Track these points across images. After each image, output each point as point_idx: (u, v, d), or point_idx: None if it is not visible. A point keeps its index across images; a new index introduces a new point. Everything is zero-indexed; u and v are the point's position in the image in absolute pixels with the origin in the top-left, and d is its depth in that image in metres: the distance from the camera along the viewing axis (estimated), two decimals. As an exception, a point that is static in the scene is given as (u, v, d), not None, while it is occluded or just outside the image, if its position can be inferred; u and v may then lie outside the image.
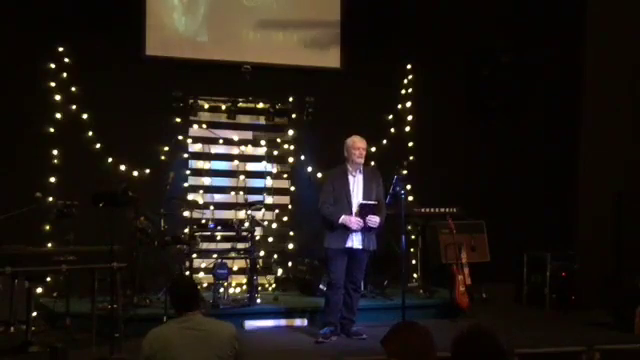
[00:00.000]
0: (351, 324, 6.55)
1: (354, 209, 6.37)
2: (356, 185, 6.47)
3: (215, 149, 8.59)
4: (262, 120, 8.76)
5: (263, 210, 8.40)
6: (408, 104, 9.03)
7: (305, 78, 8.71)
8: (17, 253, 5.70)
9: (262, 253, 7.95)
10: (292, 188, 8.73)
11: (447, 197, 8.27)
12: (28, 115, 7.68)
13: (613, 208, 8.42)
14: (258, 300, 7.39)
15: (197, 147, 8.56)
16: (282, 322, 7.09)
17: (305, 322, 7.04)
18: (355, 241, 6.42)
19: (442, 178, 8.75)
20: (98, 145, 7.88)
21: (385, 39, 8.88)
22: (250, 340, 6.10)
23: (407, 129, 9.00)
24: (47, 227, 7.30)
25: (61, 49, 7.85)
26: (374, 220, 6.35)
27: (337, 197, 6.41)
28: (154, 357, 3.66)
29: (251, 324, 6.94)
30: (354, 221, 6.31)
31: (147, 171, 8.00)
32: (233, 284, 7.99)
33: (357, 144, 6.49)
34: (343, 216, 6.31)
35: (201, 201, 8.43)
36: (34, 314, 6.27)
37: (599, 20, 8.54)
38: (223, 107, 8.47)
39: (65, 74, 7.85)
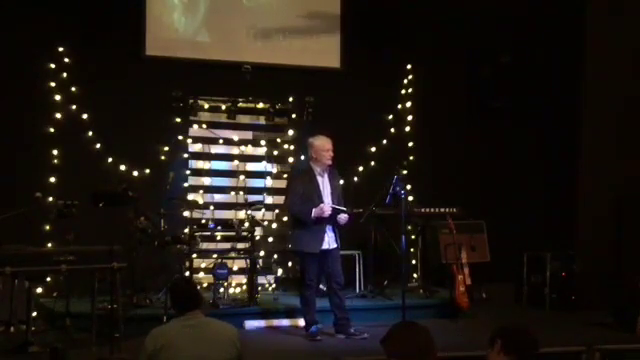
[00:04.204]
0: (348, 323, 6.54)
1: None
2: (324, 185, 6.56)
3: (215, 149, 8.59)
4: (262, 120, 8.76)
5: (263, 210, 8.40)
6: (408, 104, 9.03)
7: (305, 78, 8.71)
8: (17, 253, 5.70)
9: (262, 253, 7.94)
10: (292, 188, 8.72)
11: (447, 197, 8.27)
12: (28, 115, 7.68)
13: (613, 208, 8.42)
14: (258, 300, 7.40)
15: (197, 147, 8.56)
16: (282, 322, 7.10)
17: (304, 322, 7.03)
18: (330, 241, 6.51)
19: (442, 178, 8.76)
20: (98, 145, 7.87)
21: (385, 39, 8.88)
22: (250, 340, 6.09)
23: (407, 129, 9.00)
24: (47, 227, 7.29)
25: (61, 49, 7.84)
26: (344, 217, 6.49)
27: (308, 198, 6.46)
28: (157, 354, 3.67)
29: (251, 324, 6.94)
30: (326, 208, 6.40)
31: (147, 171, 8.00)
32: (233, 284, 7.99)
33: (327, 146, 6.57)
34: (314, 210, 6.38)
35: (201, 201, 8.43)
36: (34, 314, 6.27)
37: (599, 20, 8.54)
38: (223, 107, 8.47)
39: (65, 74, 7.85)
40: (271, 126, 8.74)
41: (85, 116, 7.89)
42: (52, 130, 7.76)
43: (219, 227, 7.57)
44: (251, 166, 8.70)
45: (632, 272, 7.55)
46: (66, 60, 7.86)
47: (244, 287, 7.98)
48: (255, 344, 6.04)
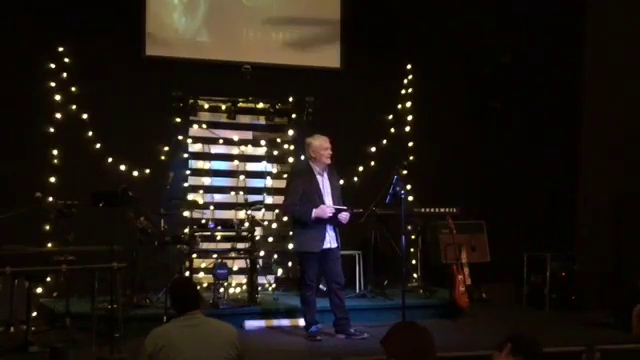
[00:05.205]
0: (348, 323, 6.54)
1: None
2: (324, 184, 6.56)
3: (215, 149, 8.60)
4: (262, 120, 8.76)
5: (263, 210, 8.39)
6: (408, 104, 9.03)
7: (305, 78, 8.71)
8: (17, 253, 5.70)
9: (262, 253, 7.94)
10: (292, 188, 8.72)
11: (447, 197, 8.27)
12: (28, 115, 7.68)
13: (613, 208, 8.42)
14: (258, 300, 7.40)
15: (197, 147, 8.56)
16: (282, 322, 7.10)
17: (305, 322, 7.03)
18: (331, 241, 6.51)
19: (442, 178, 8.76)
20: (98, 145, 7.88)
21: (385, 39, 8.88)
22: (250, 340, 6.10)
23: (407, 129, 9.00)
24: (47, 227, 7.29)
25: (61, 49, 7.85)
26: (346, 215, 6.50)
27: (308, 197, 6.46)
28: (157, 355, 3.67)
29: (251, 324, 6.94)
30: (328, 210, 6.39)
31: (147, 171, 8.00)
32: (233, 284, 7.99)
33: (325, 144, 6.57)
34: (314, 210, 6.37)
35: (201, 201, 8.43)
36: (34, 314, 6.27)
37: (599, 20, 8.54)
38: (223, 107, 8.48)
39: (65, 74, 7.85)
40: (271, 126, 8.74)
41: (85, 116, 7.89)
42: (52, 130, 7.77)
43: (219, 227, 7.58)
44: (251, 166, 8.70)
45: (632, 272, 7.56)
46: (66, 60, 7.86)
47: (244, 287, 7.98)
48: (255, 344, 6.04)
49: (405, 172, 7.31)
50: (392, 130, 8.91)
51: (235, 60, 8.43)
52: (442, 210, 8.08)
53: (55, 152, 7.74)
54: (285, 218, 8.50)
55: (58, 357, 5.36)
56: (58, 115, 7.81)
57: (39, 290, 7.01)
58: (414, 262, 8.57)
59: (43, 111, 7.74)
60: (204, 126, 8.53)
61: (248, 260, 7.58)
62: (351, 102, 8.64)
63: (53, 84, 7.83)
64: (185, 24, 8.60)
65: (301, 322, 6.80)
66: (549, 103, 9.11)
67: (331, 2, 8.96)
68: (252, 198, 8.23)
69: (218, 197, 8.58)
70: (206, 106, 8.51)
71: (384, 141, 8.82)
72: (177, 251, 7.29)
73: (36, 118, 7.72)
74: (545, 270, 8.28)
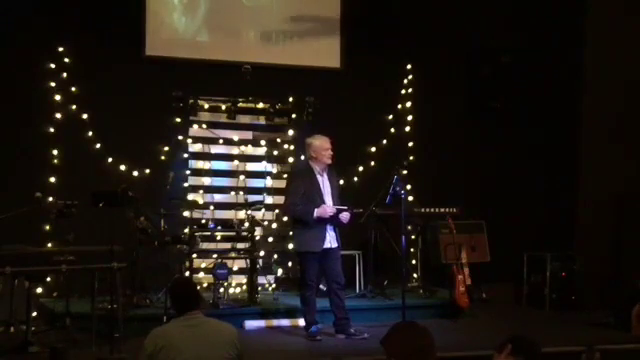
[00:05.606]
0: (348, 323, 6.53)
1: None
2: (324, 184, 6.56)
3: (215, 149, 8.60)
4: (262, 120, 8.76)
5: (263, 210, 8.39)
6: (408, 104, 9.03)
7: (305, 78, 8.71)
8: (17, 253, 5.70)
9: (262, 253, 7.94)
10: (292, 188, 8.72)
11: (447, 197, 8.27)
12: (28, 115, 7.69)
13: (613, 208, 8.42)
14: (258, 300, 7.40)
15: (197, 147, 8.57)
16: (282, 322, 7.09)
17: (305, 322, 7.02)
18: (331, 241, 6.51)
19: (442, 178, 8.76)
20: (98, 145, 7.88)
21: (385, 39, 8.88)
22: (250, 340, 6.10)
23: (407, 129, 9.00)
24: (47, 227, 7.28)
25: (61, 49, 7.85)
26: (346, 215, 6.51)
27: (308, 197, 6.46)
28: (157, 355, 3.67)
29: (251, 324, 6.94)
30: (329, 210, 6.40)
31: (147, 171, 8.00)
32: (233, 284, 7.99)
33: (326, 145, 6.57)
34: (316, 210, 6.37)
35: (201, 201, 8.43)
36: (34, 314, 6.27)
37: (599, 20, 8.54)
38: (223, 107, 8.48)
39: (65, 74, 7.85)
40: (271, 126, 8.74)
41: (85, 116, 7.89)
42: (52, 130, 7.77)
43: (219, 227, 7.58)
44: (251, 166, 8.70)
45: (632, 272, 7.56)
46: (66, 60, 7.86)
47: (244, 287, 7.98)
48: (255, 344, 6.04)
49: (405, 172, 7.31)
50: (392, 130, 8.91)
51: (235, 60, 8.44)
52: (442, 210, 8.08)
53: (55, 152, 7.74)
54: (285, 218, 8.51)
55: (58, 357, 5.36)
56: (58, 115, 7.81)
57: (39, 290, 7.01)
58: (414, 262, 8.57)
59: (43, 111, 7.74)
60: (204, 126, 8.53)
61: (248, 260, 7.59)
62: (351, 102, 8.64)
63: (53, 84, 7.83)
64: (185, 24, 8.60)
65: (301, 322, 6.80)
66: (549, 103, 9.11)
67: (331, 2, 8.96)
68: (252, 198, 8.23)
69: (218, 197, 8.58)
70: (206, 106, 8.51)
71: (384, 141, 8.82)
72: (177, 251, 7.29)
73: (36, 118, 7.72)
74: (545, 270, 8.28)
